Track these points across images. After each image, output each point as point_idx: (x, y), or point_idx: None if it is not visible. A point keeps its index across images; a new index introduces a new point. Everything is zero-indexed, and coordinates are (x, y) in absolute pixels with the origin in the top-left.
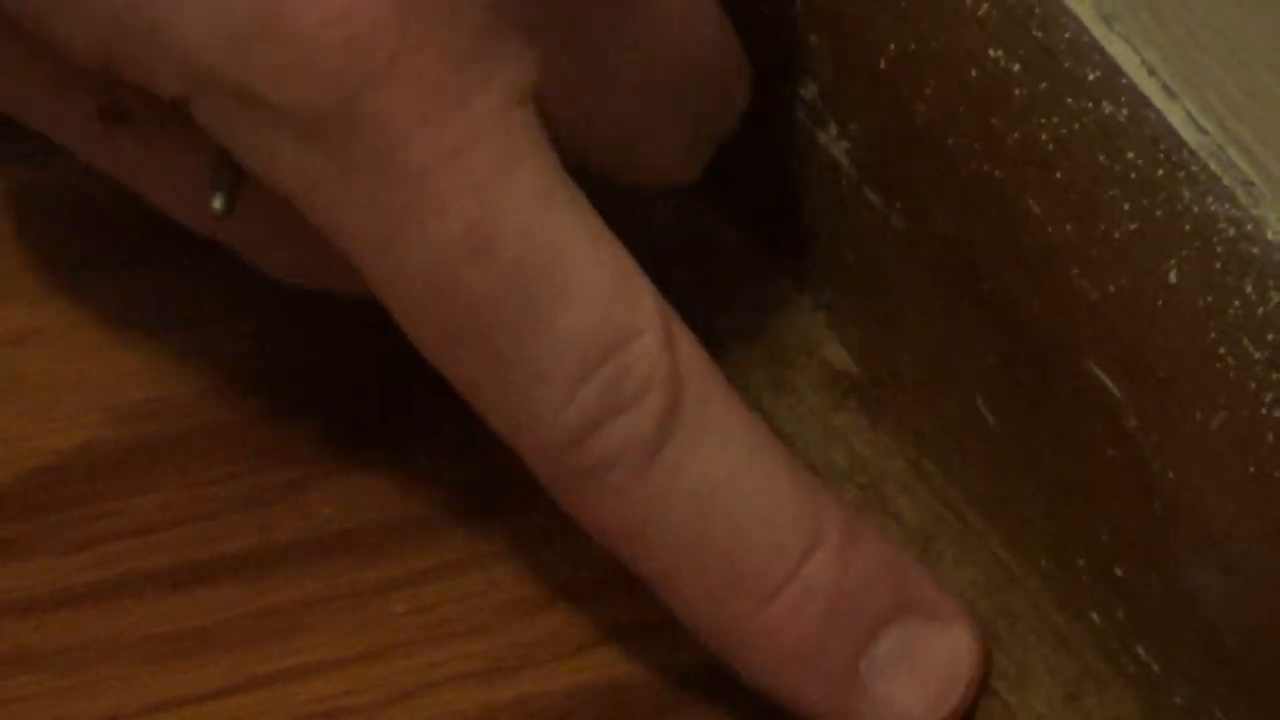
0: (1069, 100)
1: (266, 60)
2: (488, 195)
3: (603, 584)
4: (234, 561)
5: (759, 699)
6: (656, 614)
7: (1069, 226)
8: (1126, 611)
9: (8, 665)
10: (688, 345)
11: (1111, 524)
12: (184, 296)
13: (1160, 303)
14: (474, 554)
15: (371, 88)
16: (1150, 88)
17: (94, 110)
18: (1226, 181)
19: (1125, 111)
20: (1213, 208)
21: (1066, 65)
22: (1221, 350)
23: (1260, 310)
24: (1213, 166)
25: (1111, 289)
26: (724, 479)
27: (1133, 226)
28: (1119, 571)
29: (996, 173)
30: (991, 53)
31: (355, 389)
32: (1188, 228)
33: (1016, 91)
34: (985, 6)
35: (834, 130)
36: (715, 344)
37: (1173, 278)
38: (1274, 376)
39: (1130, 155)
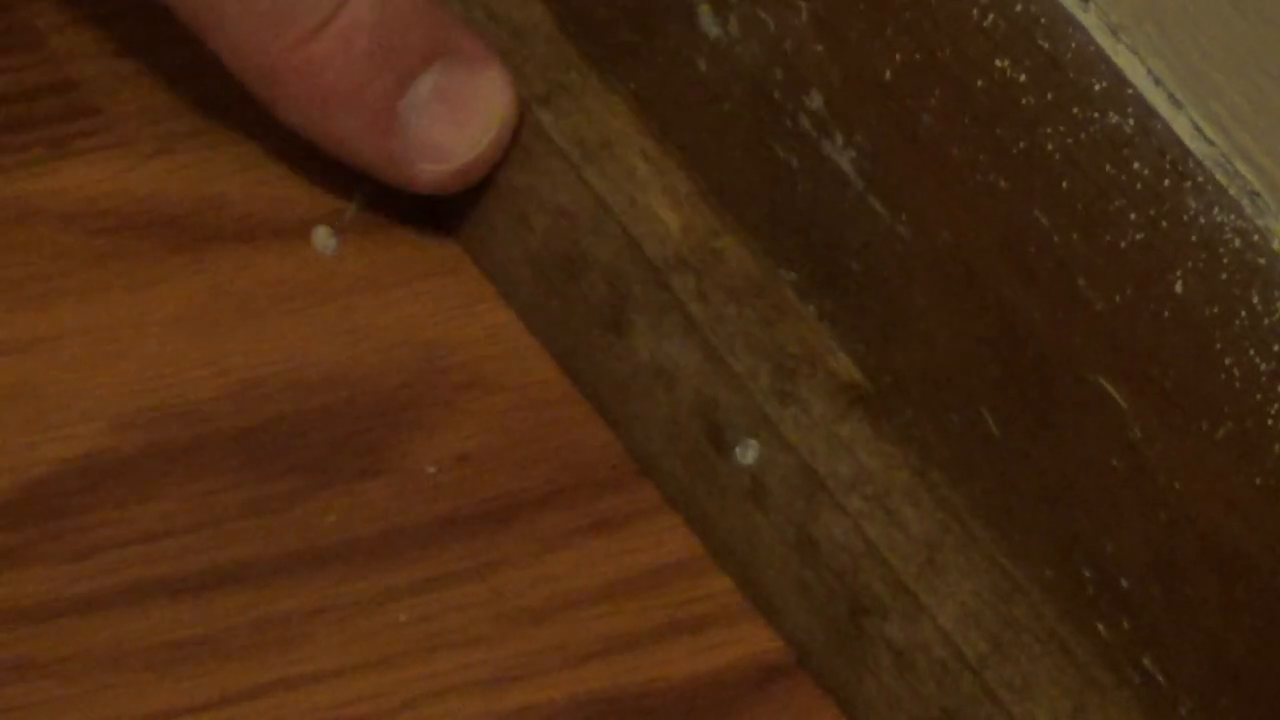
0: (1075, 111)
1: None
2: None
3: (608, 594)
4: (237, 570)
5: (764, 708)
6: (662, 623)
7: (1075, 237)
8: (1132, 623)
9: (8, 673)
10: None
11: (1116, 535)
12: (186, 306)
13: (1166, 313)
14: (477, 564)
15: None
16: (1157, 98)
17: None
18: (1233, 192)
19: (1132, 122)
20: (1219, 218)
21: (1073, 76)
22: (1227, 361)
23: (1266, 321)
24: (1219, 177)
25: (1117, 299)
26: None
27: (1139, 237)
28: (1124, 583)
29: (1002, 183)
30: (998, 63)
31: (359, 398)
32: (1194, 238)
33: (1023, 102)
34: (991, 17)
35: (840, 140)
36: (719, 353)
37: (1179, 288)
38: (1279, 388)
39: (1136, 166)
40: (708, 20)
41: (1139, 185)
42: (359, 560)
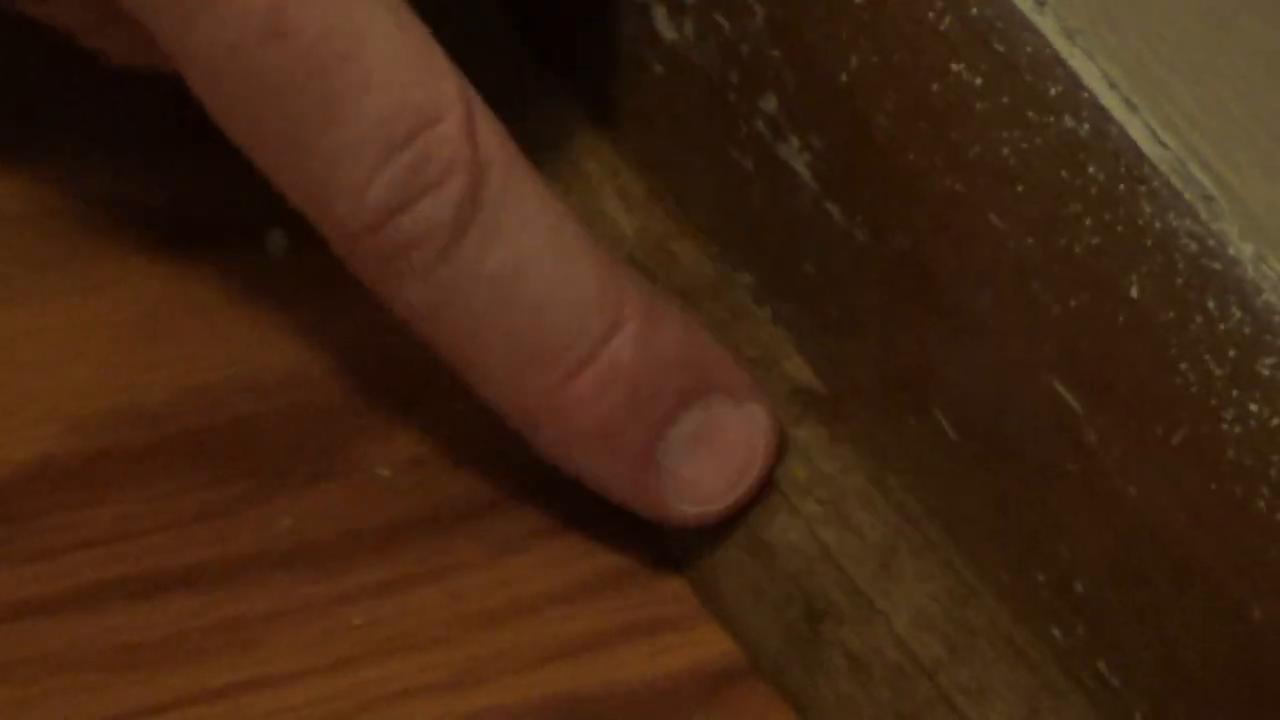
0: (1030, 114)
1: None
2: None
3: (564, 597)
4: (192, 573)
5: (719, 713)
6: (618, 626)
7: (1030, 241)
8: (1086, 627)
9: None
10: (491, 130)
11: (1071, 540)
12: (141, 308)
13: (1121, 318)
14: (434, 567)
15: None
16: (1111, 102)
17: None
18: (1188, 196)
19: (1087, 126)
20: (1174, 223)
21: (1028, 79)
22: (1183, 366)
23: (1221, 326)
24: (1174, 181)
25: (1073, 304)
26: (527, 263)
27: (1094, 241)
28: (1079, 587)
29: (957, 186)
30: (953, 66)
31: (314, 401)
32: (1149, 243)
33: (978, 105)
34: (947, 20)
35: (795, 143)
36: None
37: (1134, 293)
38: (1235, 393)
39: (1091, 170)
40: (663, 22)
41: (1094, 189)
42: (314, 563)
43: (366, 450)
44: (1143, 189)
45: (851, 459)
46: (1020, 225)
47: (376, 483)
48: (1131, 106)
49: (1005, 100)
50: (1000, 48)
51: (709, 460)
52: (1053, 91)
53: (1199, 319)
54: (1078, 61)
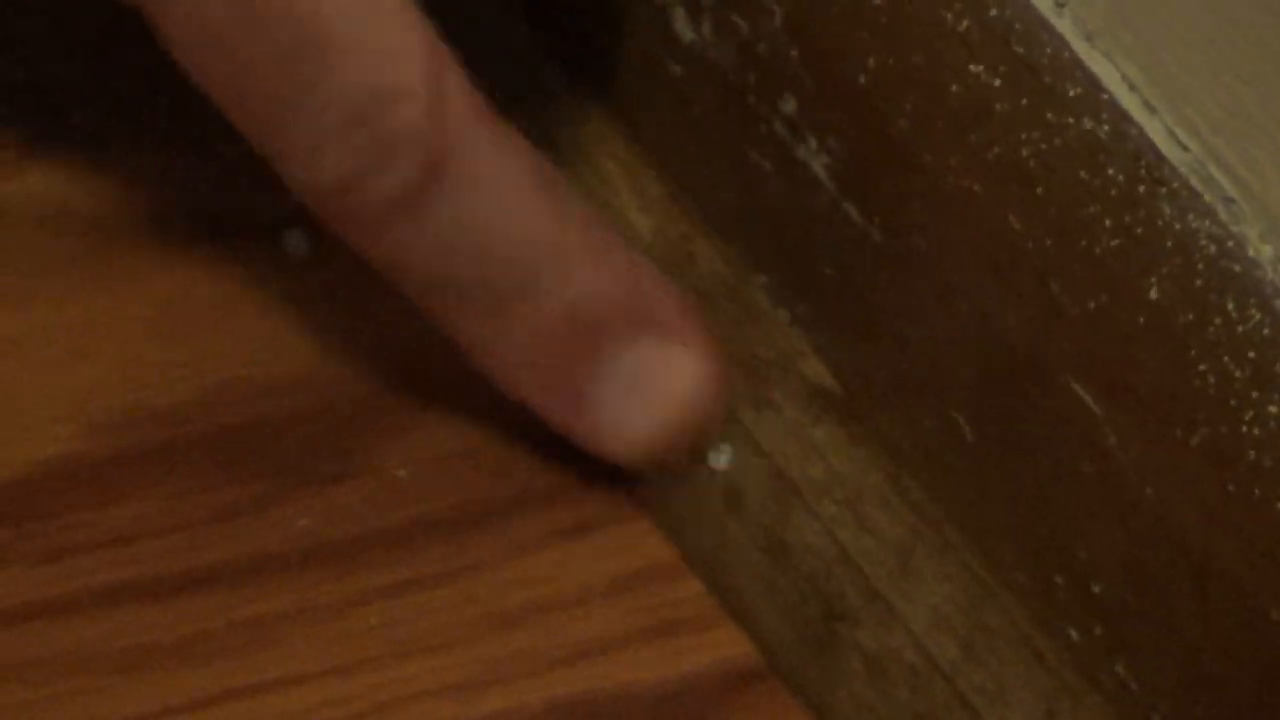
0: (1050, 116)
1: None
2: None
3: (581, 598)
4: (208, 574)
5: (736, 714)
6: (636, 628)
7: (1049, 242)
8: (1104, 629)
9: None
10: (459, 97)
11: (1089, 541)
12: (158, 307)
13: (1141, 320)
14: (449, 568)
15: None
16: (1131, 103)
17: None
18: (1207, 198)
19: (1106, 127)
20: (1194, 224)
21: (1047, 81)
22: (1202, 368)
23: (1241, 328)
24: (1194, 183)
25: (1092, 306)
26: (486, 222)
27: (1113, 243)
28: (1096, 589)
29: (976, 188)
30: (972, 68)
31: (331, 401)
32: (1169, 244)
33: (997, 107)
34: (966, 22)
35: (813, 144)
36: None
37: (1153, 294)
38: (1254, 394)
39: (1111, 171)
40: (681, 23)
41: (1113, 191)
42: (330, 564)
43: (383, 450)
44: (1162, 191)
45: (869, 460)
46: (1039, 227)
47: (393, 483)
48: (1151, 108)
49: (1024, 102)
50: (1019, 49)
51: (640, 402)
52: (1072, 93)
53: (1218, 320)
54: (1097, 63)
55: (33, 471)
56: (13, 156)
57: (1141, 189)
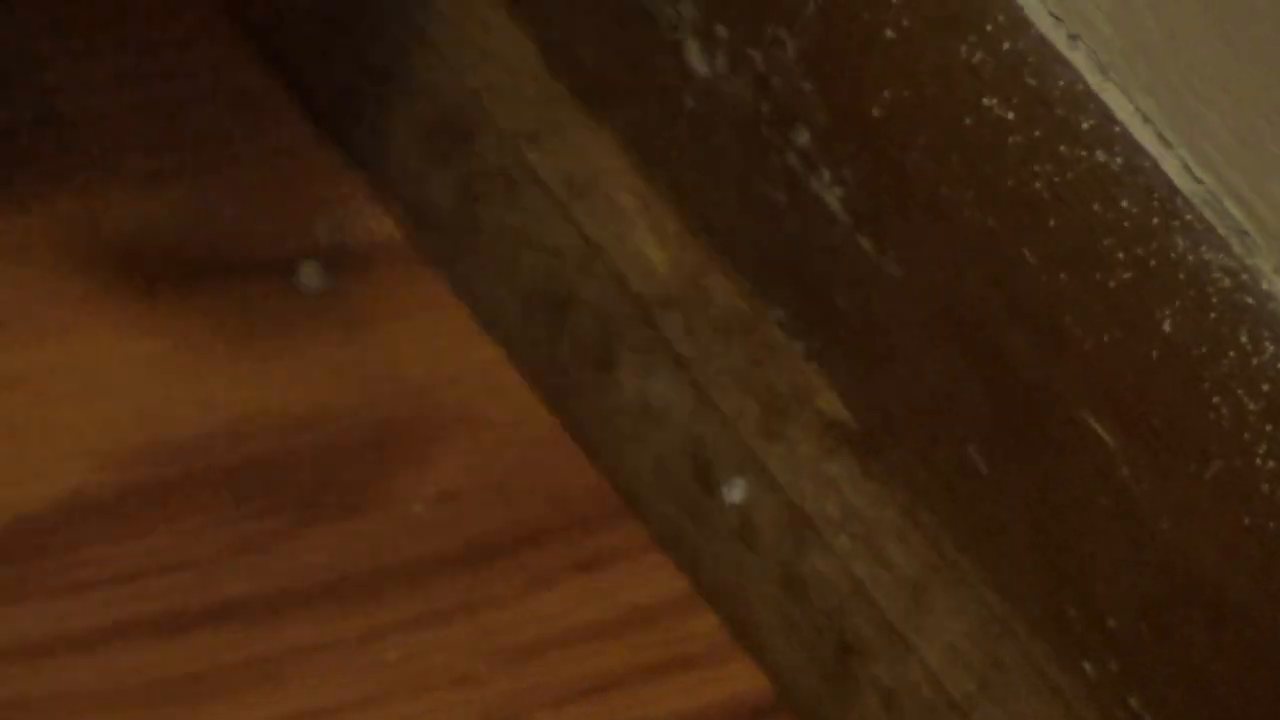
0: (1063, 149)
1: None
2: None
3: (596, 632)
4: (226, 608)
5: None
6: (651, 662)
7: (1063, 275)
8: (1119, 663)
9: (2, 710)
10: None
11: (1104, 575)
12: (173, 342)
13: (1154, 353)
14: (464, 602)
15: None
16: (1145, 136)
17: None
18: (1221, 231)
19: (1120, 160)
20: (1207, 257)
21: (1061, 113)
22: (1216, 400)
23: (1255, 361)
24: (1207, 216)
25: (1105, 338)
26: None
27: (1127, 276)
28: (1111, 623)
29: (990, 221)
30: (985, 101)
31: (345, 435)
32: (1182, 277)
33: (1010, 140)
34: (980, 55)
35: (827, 177)
36: (707, 391)
37: (1167, 327)
38: (1268, 428)
39: (1125, 204)
40: (696, 57)
41: (1127, 223)
42: (346, 598)
43: (398, 485)
44: (1176, 223)
45: (884, 494)
46: (1053, 260)
47: (408, 518)
48: (1165, 141)
49: (1038, 134)
50: (1032, 82)
51: None
52: (1085, 126)
53: (1232, 353)
54: (1111, 96)
55: (48, 506)
56: (31, 191)
57: (1155, 221)
